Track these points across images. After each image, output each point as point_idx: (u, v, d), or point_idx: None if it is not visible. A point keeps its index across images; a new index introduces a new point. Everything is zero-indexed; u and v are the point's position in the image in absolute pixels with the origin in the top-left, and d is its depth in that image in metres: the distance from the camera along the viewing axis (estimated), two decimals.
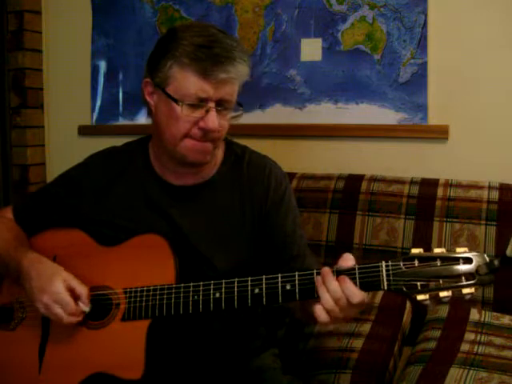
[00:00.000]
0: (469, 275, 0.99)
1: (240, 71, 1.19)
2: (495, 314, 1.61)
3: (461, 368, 1.36)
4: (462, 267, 0.99)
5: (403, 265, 1.02)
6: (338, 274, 1.04)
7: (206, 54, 1.15)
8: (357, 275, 1.04)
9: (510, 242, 1.02)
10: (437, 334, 1.53)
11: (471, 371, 1.35)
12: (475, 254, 1.00)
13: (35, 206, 1.40)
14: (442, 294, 1.00)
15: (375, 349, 1.51)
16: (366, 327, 1.59)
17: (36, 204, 1.41)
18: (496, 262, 0.98)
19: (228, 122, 1.24)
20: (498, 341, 1.47)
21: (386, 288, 1.02)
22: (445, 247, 1.03)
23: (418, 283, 1.00)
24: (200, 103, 1.18)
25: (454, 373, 1.35)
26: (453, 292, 0.99)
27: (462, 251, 1.01)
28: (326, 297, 1.03)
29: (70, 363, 1.19)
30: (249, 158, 1.35)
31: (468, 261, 0.99)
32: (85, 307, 1.18)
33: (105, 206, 1.33)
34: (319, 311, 1.04)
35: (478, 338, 1.48)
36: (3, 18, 2.50)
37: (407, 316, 1.69)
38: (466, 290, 0.99)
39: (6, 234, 1.34)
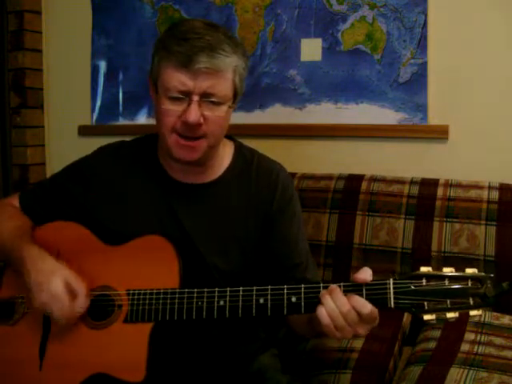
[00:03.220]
0: (477, 297, 0.98)
1: (222, 63, 1.16)
2: (495, 313, 1.61)
3: (461, 368, 1.36)
4: (471, 288, 0.98)
5: (411, 283, 1.01)
6: (346, 289, 1.04)
7: (184, 46, 1.15)
8: (364, 292, 1.03)
9: None
10: (437, 334, 1.53)
11: (471, 371, 1.34)
12: (484, 275, 0.99)
13: (42, 195, 1.40)
14: (449, 315, 0.99)
15: (375, 349, 1.51)
16: None
17: (43, 193, 1.40)
18: (505, 285, 0.98)
19: (220, 117, 1.20)
20: (498, 341, 1.47)
21: (393, 306, 1.01)
22: (454, 267, 1.01)
23: (426, 303, 0.99)
24: (182, 96, 1.17)
25: (454, 373, 1.34)
26: (460, 314, 0.98)
27: (470, 272, 1.00)
28: (331, 306, 1.03)
29: (71, 362, 1.18)
30: (257, 162, 1.34)
31: (477, 282, 0.98)
32: (81, 308, 1.16)
33: (111, 201, 1.32)
34: (322, 313, 1.03)
35: (478, 338, 1.48)
36: (3, 18, 2.50)
37: (407, 316, 1.70)
38: (473, 312, 0.98)
39: (10, 223, 1.33)
